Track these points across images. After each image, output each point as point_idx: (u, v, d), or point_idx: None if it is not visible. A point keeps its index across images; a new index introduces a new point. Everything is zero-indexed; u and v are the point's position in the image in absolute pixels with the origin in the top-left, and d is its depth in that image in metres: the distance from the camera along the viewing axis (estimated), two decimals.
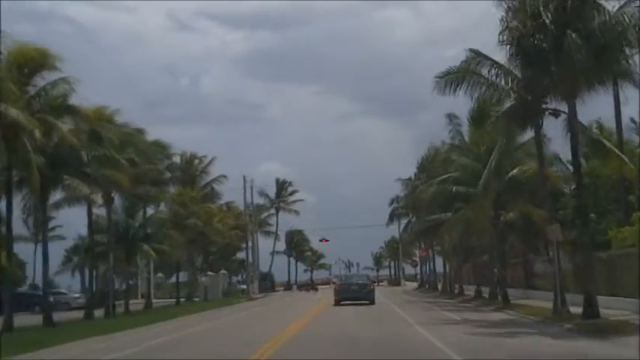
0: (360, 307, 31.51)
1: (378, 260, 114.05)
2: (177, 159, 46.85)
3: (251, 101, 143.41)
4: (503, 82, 20.55)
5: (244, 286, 67.44)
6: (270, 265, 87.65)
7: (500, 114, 21.57)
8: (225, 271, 66.66)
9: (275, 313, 32.14)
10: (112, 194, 31.53)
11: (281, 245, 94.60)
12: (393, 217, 71.02)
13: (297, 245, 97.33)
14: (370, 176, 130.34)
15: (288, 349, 14.61)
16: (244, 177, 64.11)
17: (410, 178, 56.30)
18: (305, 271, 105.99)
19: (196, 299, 49.90)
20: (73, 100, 25.04)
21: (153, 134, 37.85)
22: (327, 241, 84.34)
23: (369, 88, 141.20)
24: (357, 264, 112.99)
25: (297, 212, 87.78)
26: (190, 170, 47.29)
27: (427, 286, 65.24)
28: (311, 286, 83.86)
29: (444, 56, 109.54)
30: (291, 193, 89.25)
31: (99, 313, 30.35)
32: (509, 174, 28.96)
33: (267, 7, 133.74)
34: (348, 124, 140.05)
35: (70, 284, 58.42)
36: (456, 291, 47.24)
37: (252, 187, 69.87)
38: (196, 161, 47.73)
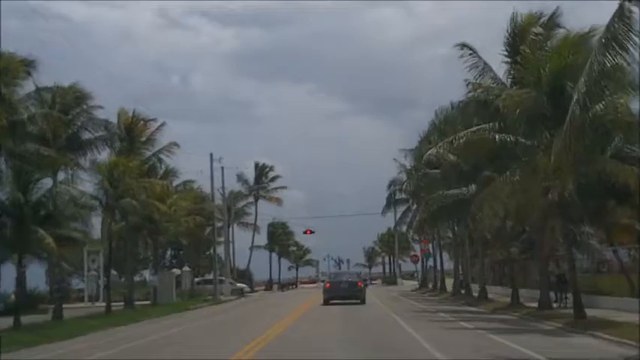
0: (351, 324, 20.94)
1: (370, 256, 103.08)
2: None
3: (241, 99, 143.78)
4: None
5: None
6: (248, 262, 76.73)
7: None
8: (188, 269, 55.73)
9: (230, 327, 22.67)
10: None
11: (262, 239, 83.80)
12: (390, 203, 60.10)
13: (279, 239, 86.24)
14: (361, 174, 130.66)
15: None
16: (211, 154, 53.13)
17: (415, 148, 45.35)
18: (289, 268, 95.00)
19: (148, 302, 39.25)
20: None
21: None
22: (312, 232, 73.19)
23: (360, 87, 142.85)
24: (348, 260, 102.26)
25: (278, 201, 76.96)
26: (132, 135, 36.20)
27: (430, 285, 54.49)
28: (294, 285, 73.38)
29: (435, 55, 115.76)
30: (273, 179, 78.36)
31: None
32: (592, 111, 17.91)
33: (258, 5, 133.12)
34: (338, 122, 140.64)
35: None
36: (475, 293, 36.37)
37: (223, 169, 59.06)
38: (140, 124, 36.72)
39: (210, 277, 67.78)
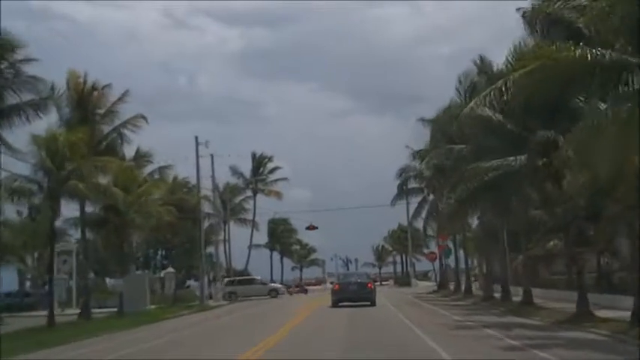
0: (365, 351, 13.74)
1: (380, 255, 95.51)
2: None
3: (246, 98, 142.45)
4: None
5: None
6: (246, 262, 69.45)
7: None
8: (172, 270, 48.65)
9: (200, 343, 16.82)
10: None
11: (261, 237, 76.65)
12: (401, 192, 52.67)
13: (281, 237, 78.98)
14: (367, 172, 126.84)
15: None
16: (196, 137, 45.91)
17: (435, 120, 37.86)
18: (293, 268, 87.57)
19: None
20: None
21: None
22: (315, 228, 65.59)
23: (364, 85, 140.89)
24: (356, 260, 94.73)
25: (278, 194, 69.78)
26: (84, 105, 29.09)
27: (451, 287, 47.09)
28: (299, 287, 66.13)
29: (439, 53, 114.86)
30: (272, 171, 71.16)
31: None
32: None
33: (263, 4, 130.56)
34: (343, 120, 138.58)
35: None
36: (514, 298, 29.00)
37: (212, 157, 51.86)
38: (95, 93, 29.54)
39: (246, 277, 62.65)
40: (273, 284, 58.68)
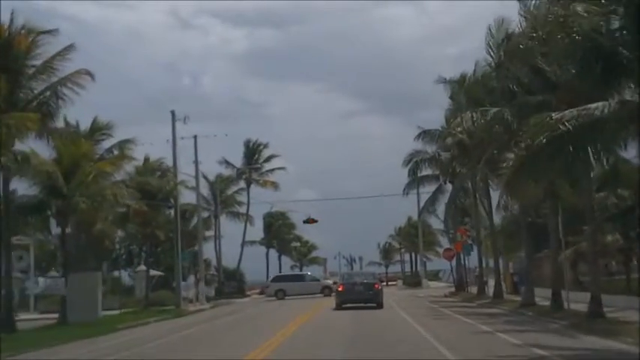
0: None
1: (387, 253, 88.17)
2: None
3: (252, 99, 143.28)
4: None
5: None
6: (239, 260, 62.35)
7: None
8: (143, 268, 41.83)
9: None
10: None
11: (257, 233, 69.61)
12: (413, 179, 45.35)
13: (279, 232, 71.86)
14: (373, 173, 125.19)
15: None
16: (172, 111, 38.95)
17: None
18: (292, 267, 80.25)
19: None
20: None
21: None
22: (315, 221, 58.06)
23: (371, 86, 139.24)
24: (360, 258, 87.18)
25: (274, 185, 62.62)
26: (9, 54, 22.08)
27: (472, 289, 40.02)
28: None
29: (446, 54, 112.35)
30: (268, 160, 63.97)
31: None
32: None
33: (269, 4, 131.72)
34: (350, 122, 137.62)
35: None
36: (566, 303, 21.89)
37: (196, 138, 44.84)
38: (22, 39, 22.46)
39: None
40: (326, 281, 52.75)
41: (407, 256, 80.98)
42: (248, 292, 60.95)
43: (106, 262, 48.71)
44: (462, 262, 45.80)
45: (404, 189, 46.97)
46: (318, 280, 51.71)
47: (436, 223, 60.51)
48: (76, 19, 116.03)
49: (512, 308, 26.47)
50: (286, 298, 46.55)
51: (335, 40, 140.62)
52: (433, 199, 46.21)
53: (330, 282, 51.29)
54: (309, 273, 54.10)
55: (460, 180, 37.76)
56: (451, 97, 36.34)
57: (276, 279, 52.02)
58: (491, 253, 40.06)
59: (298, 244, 78.53)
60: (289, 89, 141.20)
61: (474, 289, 39.98)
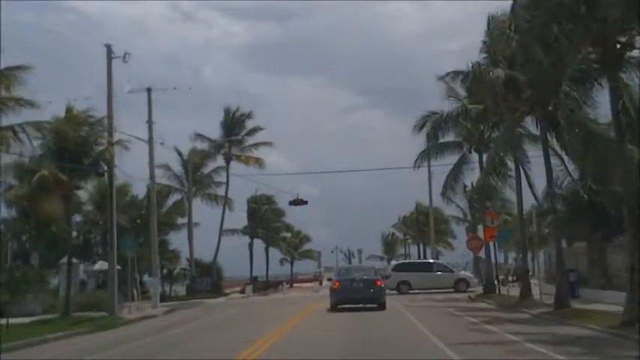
0: None
1: (390, 245, 77.87)
2: None
3: (253, 92, 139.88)
4: None
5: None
6: (215, 252, 52.03)
7: None
8: (76, 260, 31.65)
9: None
10: None
11: (237, 220, 59.36)
12: (433, 140, 34.58)
13: (264, 220, 61.51)
14: (376, 167, 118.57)
15: None
16: (108, 45, 28.51)
17: None
18: (281, 261, 69.85)
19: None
20: None
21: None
22: (304, 202, 47.14)
23: (372, 81, 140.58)
24: (360, 251, 76.75)
25: (259, 161, 52.27)
26: None
27: (512, 291, 29.81)
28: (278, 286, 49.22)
29: (448, 49, 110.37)
30: (251, 132, 53.59)
31: None
32: None
33: None
34: (351, 116, 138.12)
35: None
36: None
37: (149, 92, 34.47)
38: None
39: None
40: (463, 272, 43.38)
41: (414, 249, 70.79)
42: (226, 290, 50.89)
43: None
44: (492, 254, 35.51)
45: (416, 160, 36.75)
46: (452, 272, 41.59)
47: (449, 209, 50.57)
48: (79, 10, 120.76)
49: (605, 326, 16.26)
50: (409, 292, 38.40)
51: (337, 34, 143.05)
52: (456, 174, 35.98)
53: (468, 274, 42.00)
54: (440, 261, 44.21)
55: (505, 138, 27.22)
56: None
57: (399, 267, 42.49)
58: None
59: (289, 234, 68.10)
60: (290, 83, 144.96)
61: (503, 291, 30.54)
